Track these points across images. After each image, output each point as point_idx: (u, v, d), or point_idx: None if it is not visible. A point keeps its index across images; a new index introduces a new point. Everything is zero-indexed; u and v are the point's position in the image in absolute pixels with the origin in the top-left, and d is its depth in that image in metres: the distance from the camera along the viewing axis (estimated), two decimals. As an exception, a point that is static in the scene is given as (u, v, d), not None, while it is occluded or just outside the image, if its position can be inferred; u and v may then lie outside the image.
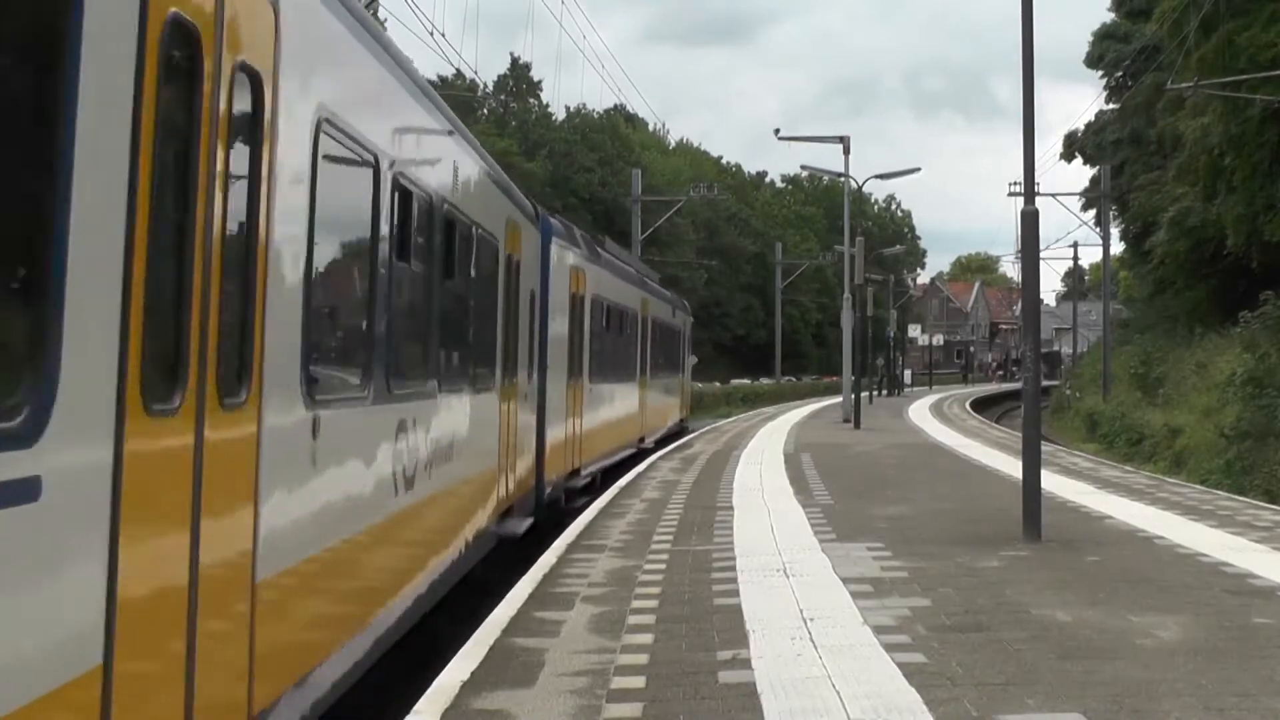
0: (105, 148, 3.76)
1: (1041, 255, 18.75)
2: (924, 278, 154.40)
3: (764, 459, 22.95)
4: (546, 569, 10.62)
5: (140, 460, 3.99)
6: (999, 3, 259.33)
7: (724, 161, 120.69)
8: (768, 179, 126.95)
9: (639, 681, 6.83)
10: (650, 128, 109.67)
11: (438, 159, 9.18)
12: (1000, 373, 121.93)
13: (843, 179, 43.08)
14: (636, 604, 9.02)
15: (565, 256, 17.27)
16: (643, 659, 7.34)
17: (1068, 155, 62.97)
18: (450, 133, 9.70)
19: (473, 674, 7.04)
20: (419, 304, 8.62)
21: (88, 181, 3.59)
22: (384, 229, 7.23)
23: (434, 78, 73.32)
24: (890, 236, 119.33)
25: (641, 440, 26.84)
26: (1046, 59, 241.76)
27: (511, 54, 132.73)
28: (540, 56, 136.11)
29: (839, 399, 43.77)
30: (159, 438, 4.20)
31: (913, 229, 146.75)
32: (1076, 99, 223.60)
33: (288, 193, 5.50)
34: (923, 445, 27.83)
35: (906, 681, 6.76)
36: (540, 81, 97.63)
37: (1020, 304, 14.31)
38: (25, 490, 3.36)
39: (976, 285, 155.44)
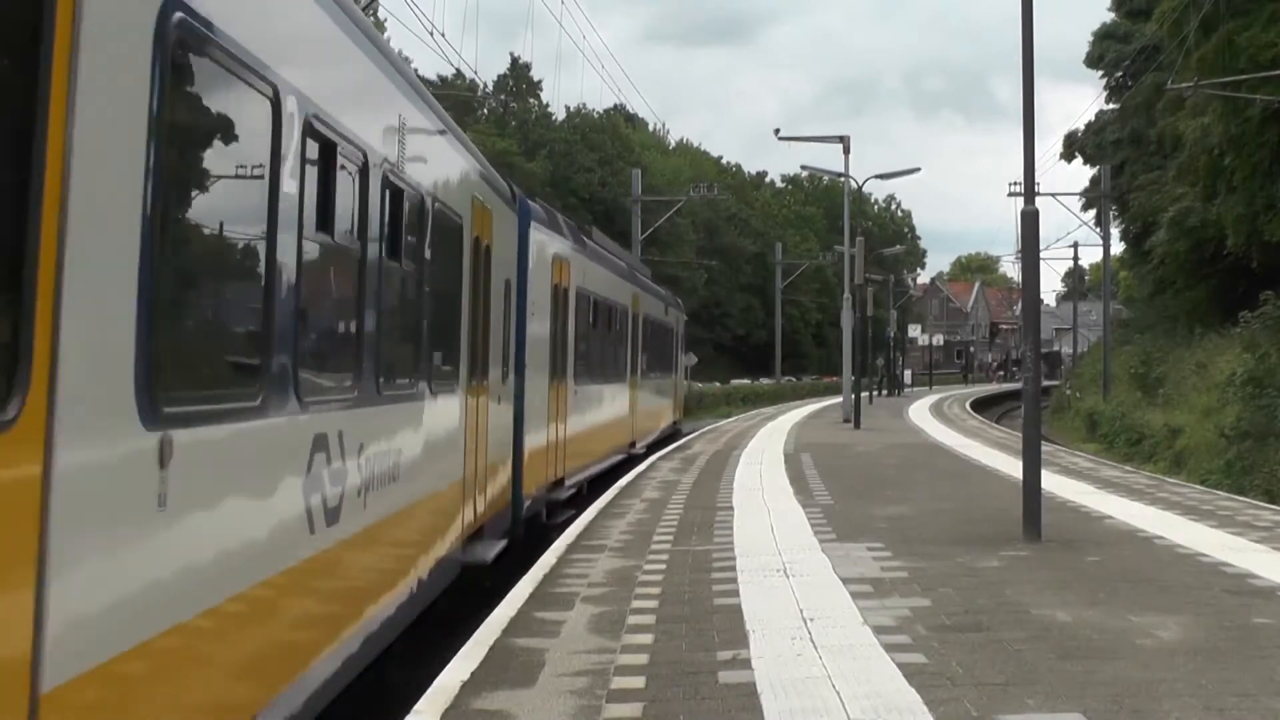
0: None
1: (1041, 255, 18.75)
2: (924, 278, 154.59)
3: (764, 459, 22.95)
4: (546, 569, 10.63)
5: None
6: (999, 3, 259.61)
7: (724, 161, 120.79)
8: (768, 179, 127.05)
9: (639, 681, 6.83)
10: (650, 128, 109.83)
11: (374, 107, 7.41)
12: (1000, 373, 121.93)
13: (843, 179, 43.10)
14: (636, 604, 9.02)
15: (547, 244, 15.62)
16: (643, 659, 7.34)
17: (1068, 155, 63.00)
18: (394, 80, 7.89)
19: (473, 674, 7.04)
20: (343, 289, 6.85)
21: None
22: (287, 184, 5.46)
23: (434, 78, 73.40)
24: (890, 236, 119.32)
25: (632, 445, 25.25)
26: (1046, 59, 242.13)
27: (511, 54, 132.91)
28: (540, 56, 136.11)
29: (839, 399, 43.78)
30: None
31: (913, 229, 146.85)
32: (1076, 99, 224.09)
33: (100, 114, 3.73)
34: (923, 445, 27.83)
35: (906, 681, 6.77)
36: (540, 81, 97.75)
37: (1020, 304, 14.31)
38: None
39: (976, 285, 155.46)
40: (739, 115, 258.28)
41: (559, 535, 12.84)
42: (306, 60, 5.93)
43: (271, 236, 5.34)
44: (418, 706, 6.44)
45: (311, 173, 5.90)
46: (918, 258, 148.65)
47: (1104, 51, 58.84)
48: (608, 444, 21.85)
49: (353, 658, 6.73)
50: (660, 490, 17.42)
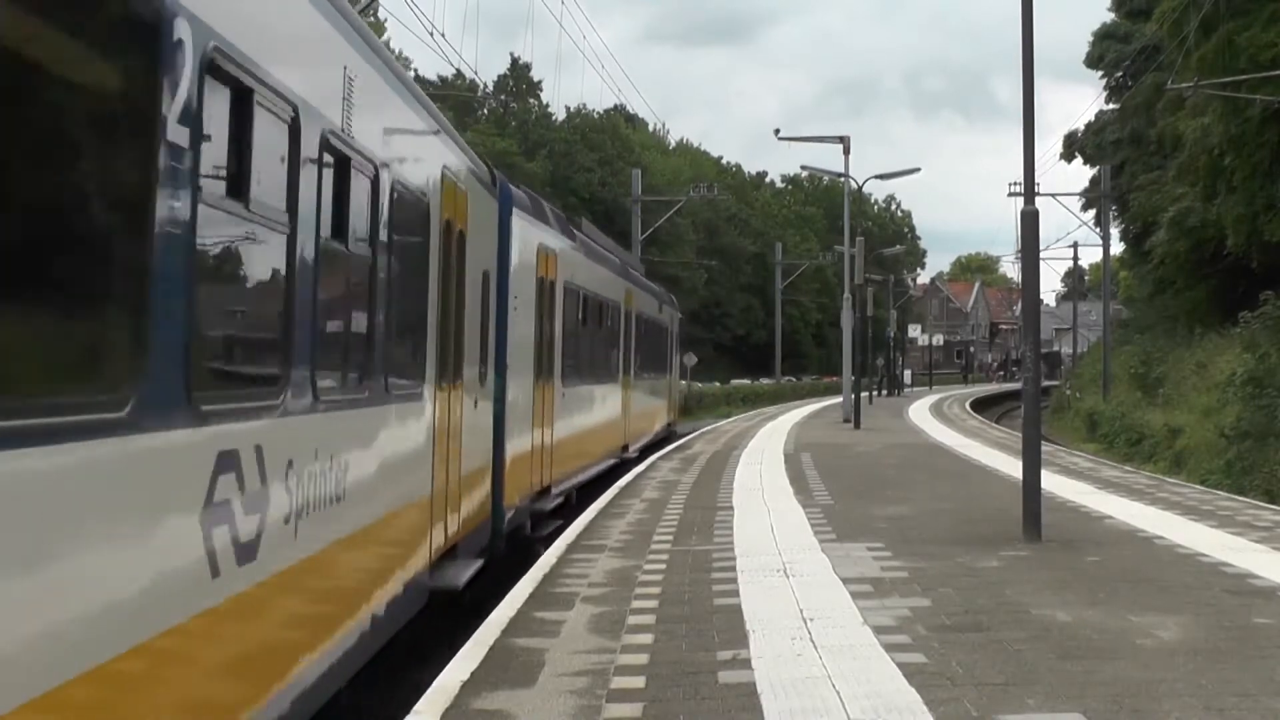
0: None
1: (1041, 255, 18.77)
2: (924, 278, 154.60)
3: (764, 459, 22.95)
4: (546, 569, 10.63)
5: None
6: (999, 3, 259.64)
7: (724, 161, 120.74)
8: (768, 179, 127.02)
9: (639, 681, 6.83)
10: (650, 128, 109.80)
11: (311, 55, 6.21)
12: (1000, 373, 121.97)
13: (843, 179, 43.11)
14: (636, 604, 9.02)
15: (531, 233, 14.46)
16: (643, 659, 7.34)
17: (1068, 155, 63.03)
18: (340, 28, 6.63)
19: (473, 674, 7.04)
20: (262, 270, 5.63)
21: None
22: (174, 132, 4.28)
23: (434, 78, 73.47)
24: (890, 236, 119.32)
25: (625, 449, 24.02)
26: (1046, 59, 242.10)
27: (511, 54, 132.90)
28: (540, 56, 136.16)
29: (839, 399, 43.79)
30: None
31: (913, 229, 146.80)
32: (1076, 99, 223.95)
33: None
34: (923, 445, 27.83)
35: (906, 681, 6.77)
36: (540, 81, 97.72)
37: (1020, 304, 14.32)
38: None
39: (976, 285, 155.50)
40: (739, 115, 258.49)
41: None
42: None
43: (150, 195, 4.14)
44: (418, 706, 6.44)
45: (215, 122, 4.72)
46: (918, 258, 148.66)
47: (1104, 51, 58.87)
48: (598, 448, 20.70)
49: None
50: (660, 490, 17.42)
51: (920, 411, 47.17)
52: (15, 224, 3.44)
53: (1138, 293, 62.42)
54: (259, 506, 5.20)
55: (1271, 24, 31.09)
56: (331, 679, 6.37)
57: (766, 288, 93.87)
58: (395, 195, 7.76)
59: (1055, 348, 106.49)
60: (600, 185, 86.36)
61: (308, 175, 5.93)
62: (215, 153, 4.79)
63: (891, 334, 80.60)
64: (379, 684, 8.11)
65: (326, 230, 6.32)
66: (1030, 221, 12.87)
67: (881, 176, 60.55)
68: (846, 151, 39.62)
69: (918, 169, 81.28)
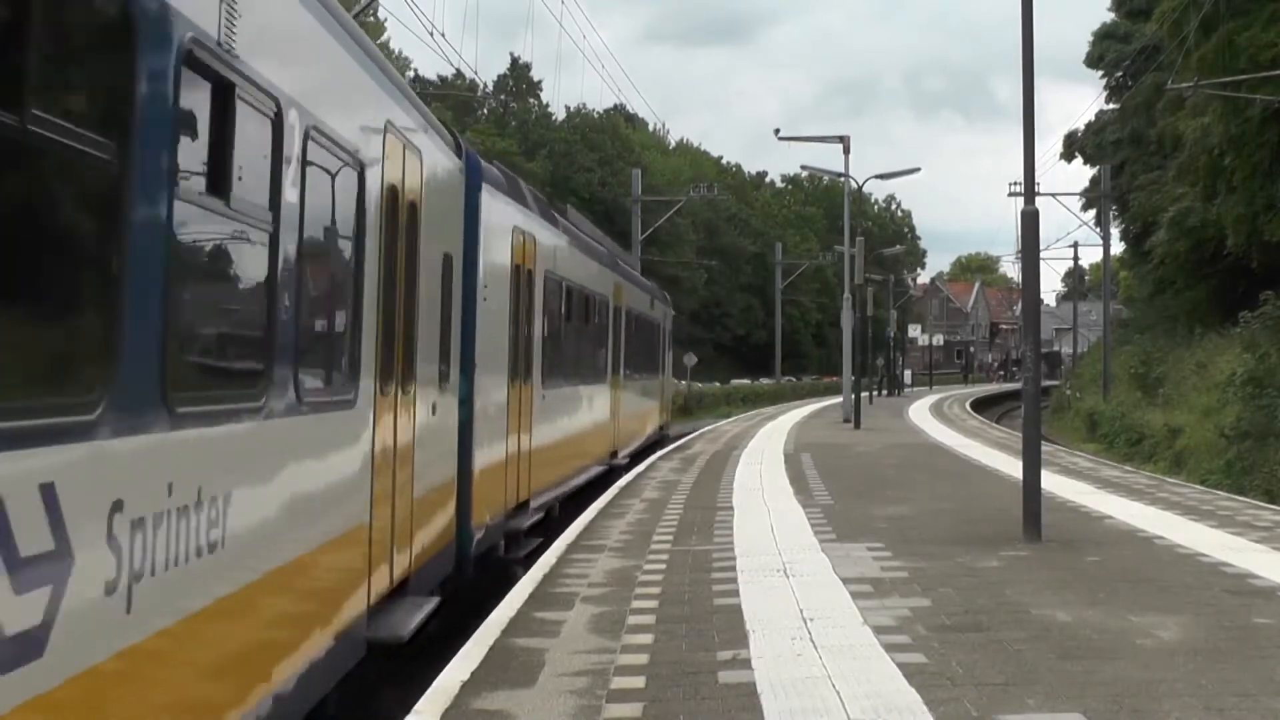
0: None
1: (1041, 255, 18.76)
2: (924, 278, 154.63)
3: (764, 459, 22.95)
4: (546, 569, 10.63)
5: None
6: (999, 3, 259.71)
7: (724, 161, 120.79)
8: (768, 179, 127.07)
9: (639, 681, 6.83)
10: (650, 128, 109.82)
11: None
12: (1001, 373, 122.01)
13: (843, 179, 43.12)
14: (636, 604, 9.02)
15: (505, 213, 12.72)
16: (643, 659, 7.34)
17: (1068, 155, 63.04)
18: None
19: (473, 674, 7.04)
20: (82, 229, 3.97)
21: None
22: None
23: (434, 78, 73.51)
24: (890, 236, 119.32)
25: (614, 455, 22.36)
26: (1046, 59, 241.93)
27: (511, 54, 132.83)
28: (540, 56, 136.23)
29: (839, 399, 43.79)
30: None
31: (913, 229, 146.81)
32: (1076, 99, 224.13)
33: None
34: (923, 445, 27.83)
35: (906, 681, 6.77)
36: (540, 81, 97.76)
37: (1020, 304, 14.31)
38: None
39: (976, 285, 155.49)
40: (739, 115, 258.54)
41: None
42: None
43: None
44: (418, 706, 6.44)
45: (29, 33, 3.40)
46: (918, 258, 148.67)
47: (1104, 51, 58.88)
48: (585, 455, 18.89)
49: None
50: (660, 490, 17.42)
51: (920, 411, 47.17)
52: None
53: (1138, 293, 62.44)
54: (43, 575, 3.49)
55: (1271, 24, 31.09)
56: None
57: (766, 288, 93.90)
58: (309, 145, 5.99)
59: (1055, 348, 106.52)
60: (600, 185, 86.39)
61: (153, 95, 4.19)
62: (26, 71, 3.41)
63: (891, 334, 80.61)
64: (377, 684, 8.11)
65: (189, 177, 4.56)
66: (1030, 221, 12.87)
67: (881, 176, 60.65)
68: (846, 151, 39.67)
69: (918, 169, 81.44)
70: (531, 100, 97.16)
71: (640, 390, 26.77)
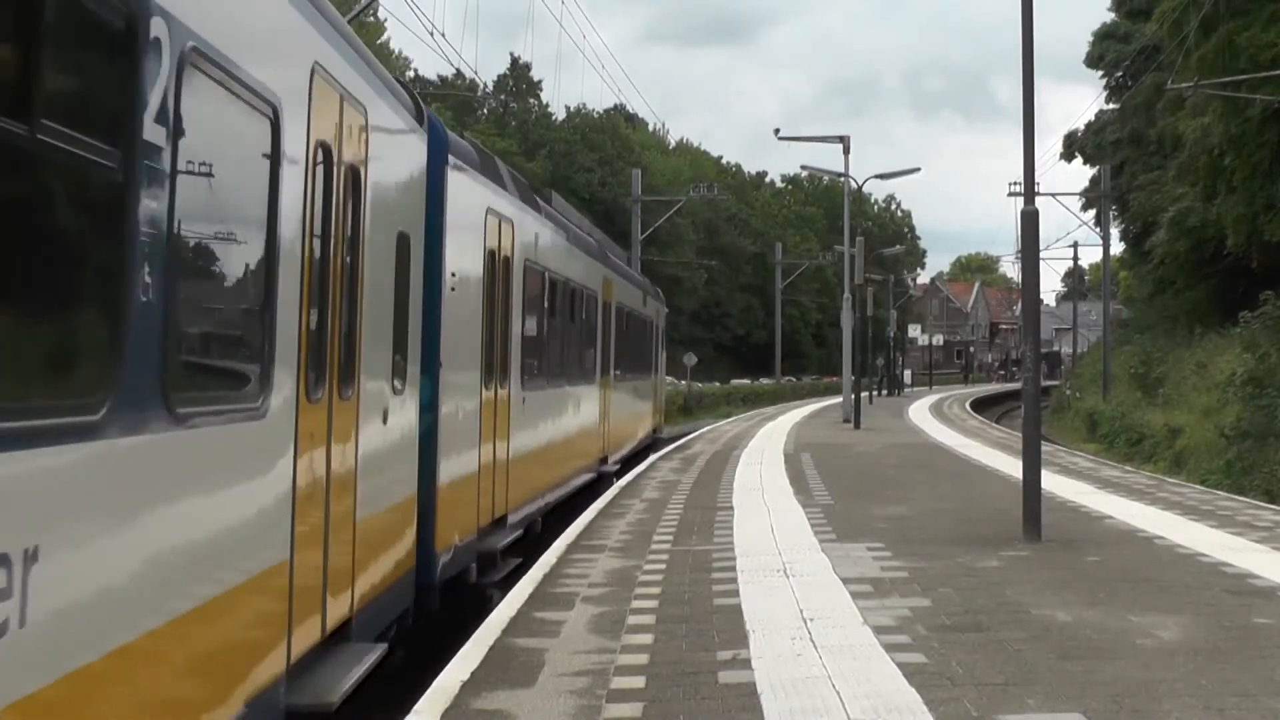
0: None
1: (1041, 255, 18.76)
2: (924, 278, 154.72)
3: (764, 459, 22.95)
4: (546, 569, 10.63)
5: None
6: (999, 3, 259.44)
7: (724, 161, 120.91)
8: (768, 179, 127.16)
9: (639, 681, 6.83)
10: (650, 128, 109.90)
11: None
12: (1001, 373, 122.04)
13: (843, 179, 43.12)
14: (636, 604, 9.02)
15: (476, 192, 11.30)
16: (643, 659, 7.34)
17: (1068, 155, 63.05)
18: None
19: (473, 674, 7.04)
20: None
21: None
22: None
23: (434, 77, 73.51)
24: (890, 236, 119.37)
25: (603, 461, 20.72)
26: (1046, 59, 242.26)
27: (511, 54, 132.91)
28: (540, 56, 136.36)
29: (839, 399, 43.80)
30: None
31: (913, 229, 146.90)
32: (1076, 99, 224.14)
33: None
34: (923, 445, 27.84)
35: (906, 681, 6.77)
36: (540, 81, 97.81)
37: (1020, 304, 14.32)
38: None
39: (976, 285, 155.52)
40: (739, 115, 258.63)
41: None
42: None
43: None
44: (418, 706, 6.44)
45: None
46: (918, 258, 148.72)
47: (1104, 51, 58.88)
48: (571, 463, 17.26)
49: None
50: (660, 490, 17.43)
51: (920, 411, 47.18)
52: None
53: (1138, 293, 62.46)
54: None
55: (1271, 24, 31.09)
56: None
57: (766, 288, 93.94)
58: (186, 71, 4.62)
59: (1055, 348, 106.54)
60: (600, 185, 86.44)
61: None
62: None
63: (891, 334, 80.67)
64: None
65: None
66: (1030, 221, 12.87)
67: (881, 176, 60.72)
68: (846, 151, 39.67)
69: (918, 169, 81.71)
70: (531, 100, 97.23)
71: (632, 392, 25.49)
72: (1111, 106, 59.43)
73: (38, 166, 3.71)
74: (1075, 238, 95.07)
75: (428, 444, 9.50)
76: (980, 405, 58.17)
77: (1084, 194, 62.86)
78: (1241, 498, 17.44)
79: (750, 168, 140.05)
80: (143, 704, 4.44)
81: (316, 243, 6.47)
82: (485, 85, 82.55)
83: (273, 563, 5.79)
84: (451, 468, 10.13)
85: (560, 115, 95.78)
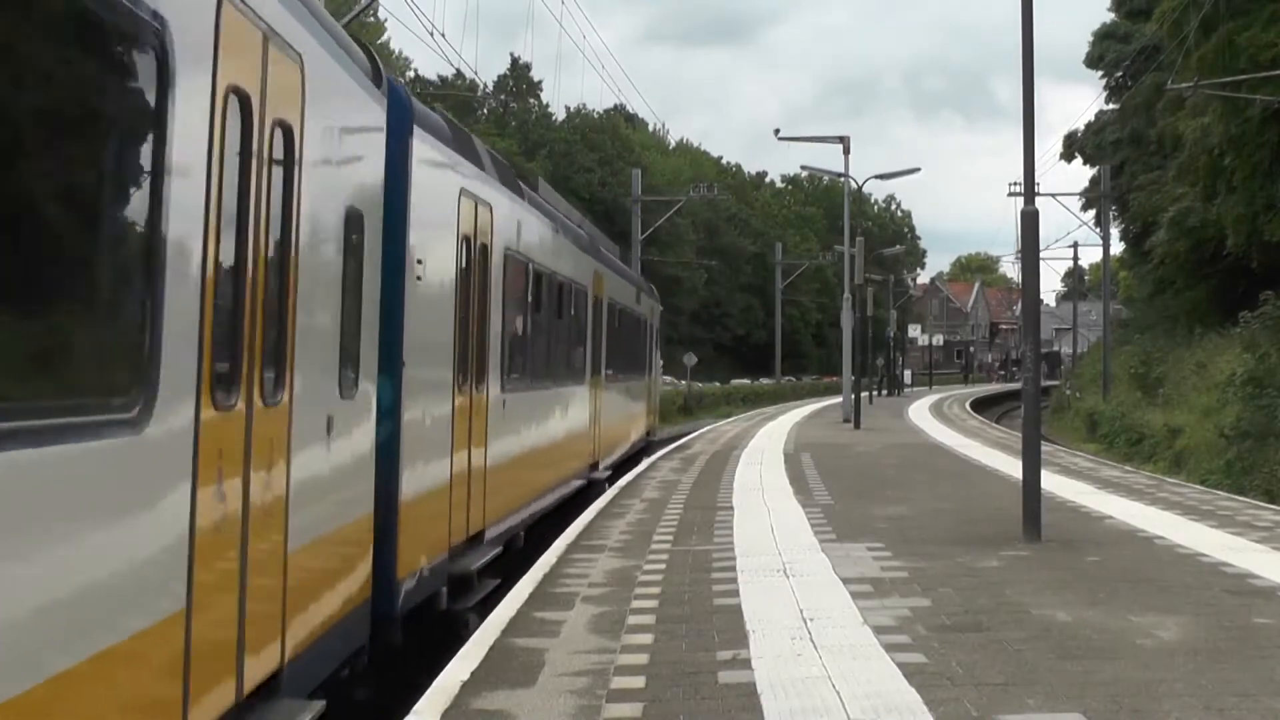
0: None
1: (1041, 255, 18.76)
2: (924, 278, 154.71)
3: (764, 459, 22.95)
4: (546, 569, 10.63)
5: None
6: (999, 3, 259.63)
7: (724, 161, 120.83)
8: (768, 179, 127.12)
9: (639, 681, 6.83)
10: (650, 128, 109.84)
11: None
12: (1001, 373, 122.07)
13: (843, 179, 43.13)
14: (636, 604, 9.02)
15: (446, 171, 10.10)
16: (643, 659, 7.34)
17: (1068, 155, 63.03)
18: None
19: (473, 674, 7.04)
20: None
21: None
22: None
23: (434, 77, 73.53)
24: (890, 236, 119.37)
25: (594, 468, 19.37)
26: (1046, 59, 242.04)
27: (511, 54, 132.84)
28: (540, 56, 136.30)
29: (839, 399, 43.80)
30: None
31: (913, 229, 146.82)
32: (1076, 99, 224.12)
33: None
34: (923, 445, 27.84)
35: (906, 681, 6.77)
36: (540, 81, 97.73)
37: (1020, 304, 14.32)
38: None
39: (976, 285, 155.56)
40: (739, 115, 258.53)
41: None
42: None
43: None
44: (417, 706, 6.44)
45: None
46: (918, 258, 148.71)
47: (1104, 51, 58.88)
48: (558, 470, 15.92)
49: None
50: (660, 490, 17.43)
51: (920, 411, 47.19)
52: None
53: (1138, 293, 62.46)
54: None
55: (1271, 24, 31.09)
56: None
57: (766, 288, 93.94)
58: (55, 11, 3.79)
59: (1055, 348, 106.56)
60: (600, 185, 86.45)
61: None
62: None
63: (891, 334, 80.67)
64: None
65: None
66: (1030, 221, 12.87)
67: (881, 176, 60.69)
68: (846, 151, 39.68)
69: (917, 169, 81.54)
70: (531, 100, 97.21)
71: (625, 393, 24.08)
72: (1111, 107, 59.45)
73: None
74: (1075, 238, 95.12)
75: (388, 454, 8.28)
76: (980, 405, 58.18)
77: (1084, 194, 62.87)
78: (1241, 498, 17.44)
79: (750, 168, 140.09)
80: None
81: (229, 209, 5.24)
82: (485, 85, 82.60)
83: (158, 618, 4.60)
84: (417, 480, 8.95)
85: (560, 115, 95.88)
